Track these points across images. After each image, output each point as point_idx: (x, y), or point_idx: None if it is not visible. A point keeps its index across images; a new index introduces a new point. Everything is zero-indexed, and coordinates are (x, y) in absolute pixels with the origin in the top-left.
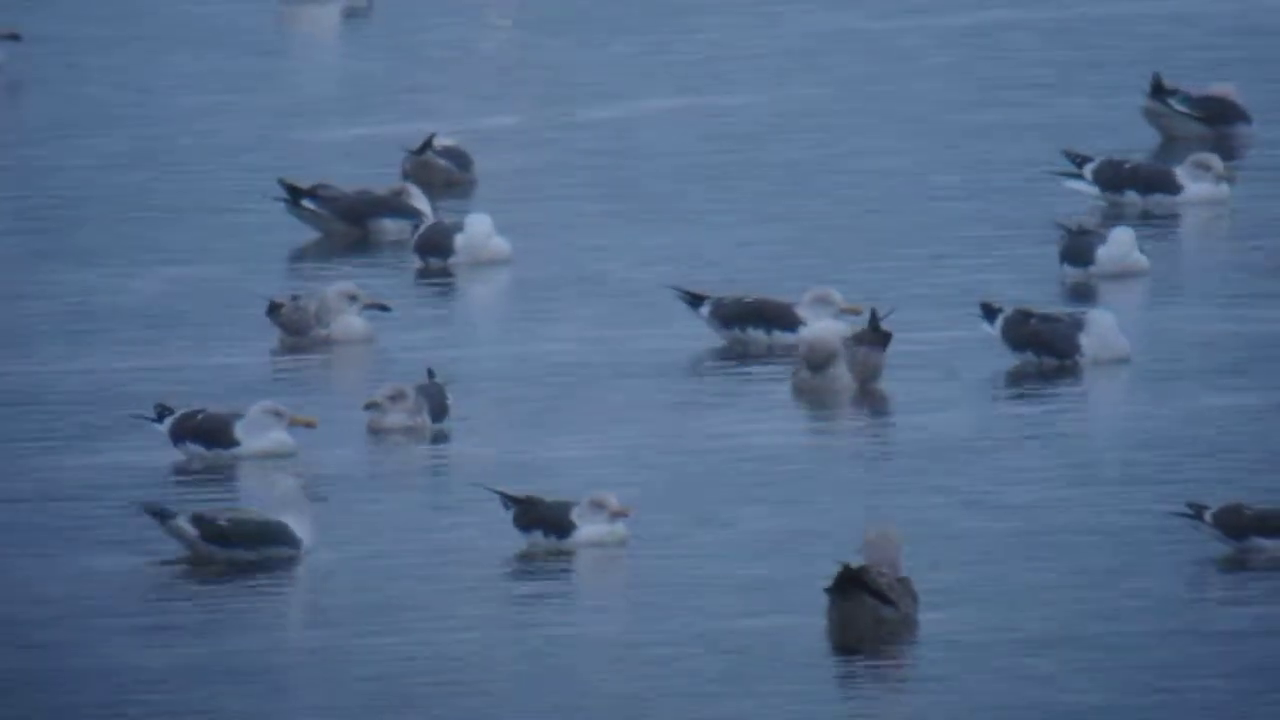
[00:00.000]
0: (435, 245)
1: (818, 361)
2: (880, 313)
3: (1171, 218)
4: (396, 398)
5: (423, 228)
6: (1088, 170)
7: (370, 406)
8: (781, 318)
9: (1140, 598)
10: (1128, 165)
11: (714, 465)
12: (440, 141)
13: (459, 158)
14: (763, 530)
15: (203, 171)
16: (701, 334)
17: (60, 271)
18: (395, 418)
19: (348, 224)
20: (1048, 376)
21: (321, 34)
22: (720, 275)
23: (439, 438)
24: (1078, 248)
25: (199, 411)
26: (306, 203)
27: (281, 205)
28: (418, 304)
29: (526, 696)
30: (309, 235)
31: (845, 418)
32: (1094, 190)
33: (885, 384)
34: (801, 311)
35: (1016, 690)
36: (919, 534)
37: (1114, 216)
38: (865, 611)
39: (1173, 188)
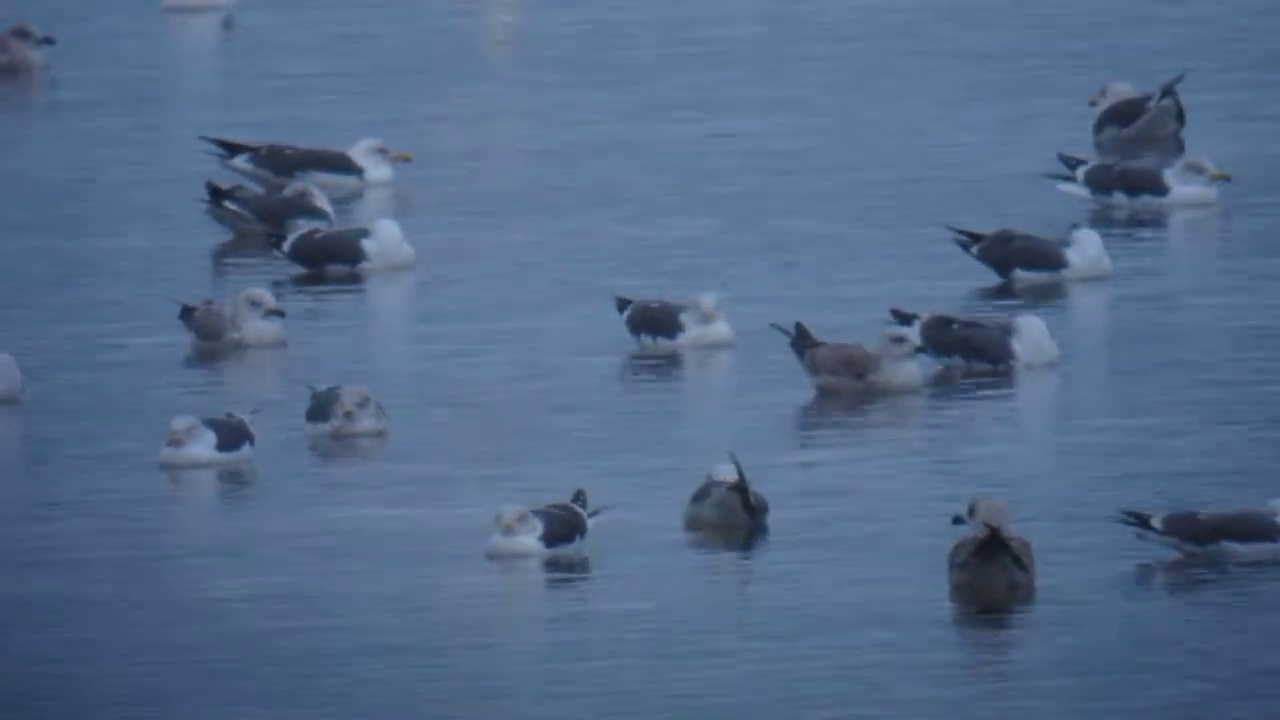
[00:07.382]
0: (335, 252)
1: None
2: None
3: (1157, 220)
4: (363, 404)
5: (297, 234)
6: (1080, 173)
7: (347, 415)
8: (666, 324)
9: None
10: (1116, 168)
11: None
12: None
13: (277, 162)
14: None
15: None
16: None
17: None
18: (366, 423)
19: (266, 224)
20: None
21: (202, 41)
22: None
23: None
24: (1036, 251)
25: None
26: (228, 204)
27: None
28: (332, 309)
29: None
30: (223, 235)
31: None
32: (1085, 193)
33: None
34: (683, 318)
35: None
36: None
37: (1104, 220)
38: (1003, 576)
39: (1160, 189)
